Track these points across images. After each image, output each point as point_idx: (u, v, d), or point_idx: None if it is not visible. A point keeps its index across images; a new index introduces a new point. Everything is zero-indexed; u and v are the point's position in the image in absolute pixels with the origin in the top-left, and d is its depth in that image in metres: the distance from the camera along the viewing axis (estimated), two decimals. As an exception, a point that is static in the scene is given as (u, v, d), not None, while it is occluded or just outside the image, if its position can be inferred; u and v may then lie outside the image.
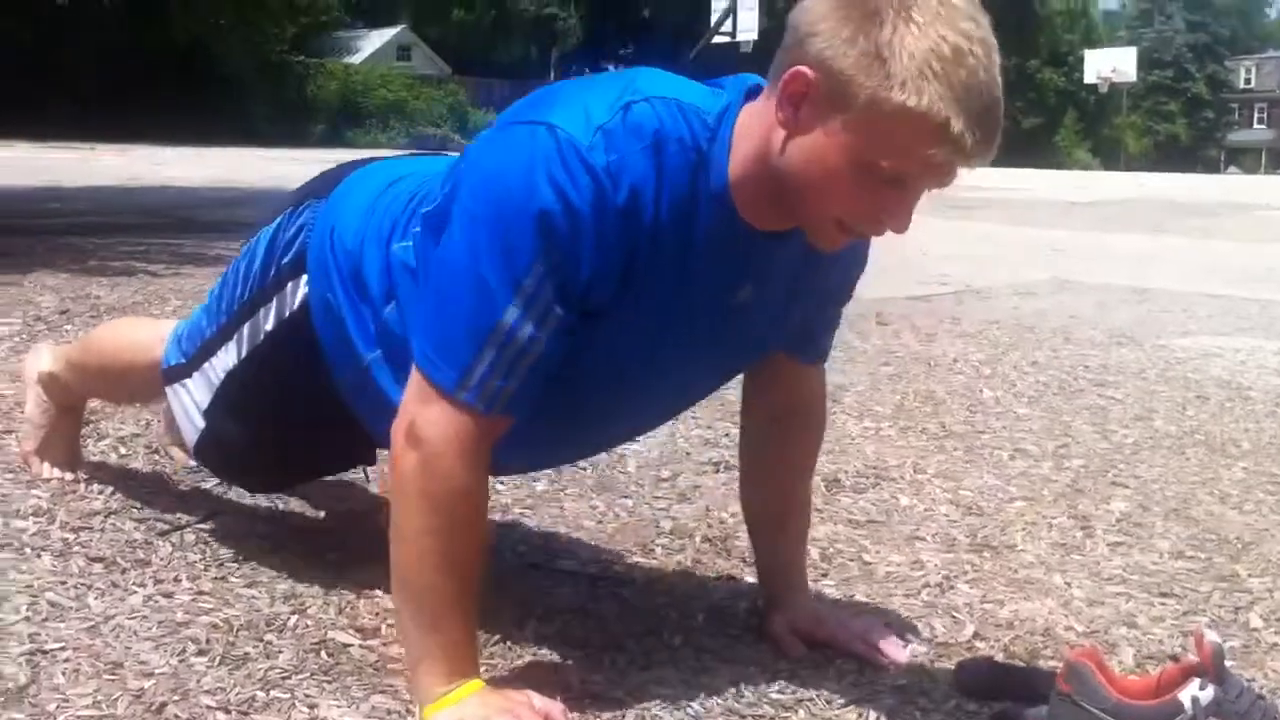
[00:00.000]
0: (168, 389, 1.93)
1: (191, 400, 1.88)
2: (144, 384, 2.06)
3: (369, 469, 2.13)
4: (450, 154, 1.82)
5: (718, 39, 38.11)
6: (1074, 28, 60.54)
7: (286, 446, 1.83)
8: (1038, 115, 55.51)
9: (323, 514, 2.23)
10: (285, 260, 1.76)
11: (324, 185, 1.81)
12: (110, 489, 2.24)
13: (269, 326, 1.76)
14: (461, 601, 1.45)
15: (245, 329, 1.79)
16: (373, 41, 44.07)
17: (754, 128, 1.39)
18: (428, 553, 1.43)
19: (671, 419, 1.86)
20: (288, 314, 1.74)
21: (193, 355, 1.87)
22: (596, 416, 1.62)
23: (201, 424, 1.87)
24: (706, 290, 1.47)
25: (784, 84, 1.32)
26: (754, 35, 38.37)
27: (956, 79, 1.25)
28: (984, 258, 7.82)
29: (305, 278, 1.72)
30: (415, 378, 1.43)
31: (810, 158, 1.33)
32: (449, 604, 1.45)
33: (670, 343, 1.50)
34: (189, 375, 1.88)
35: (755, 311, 1.53)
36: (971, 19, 1.28)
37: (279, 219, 1.81)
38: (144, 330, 2.14)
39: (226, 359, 1.82)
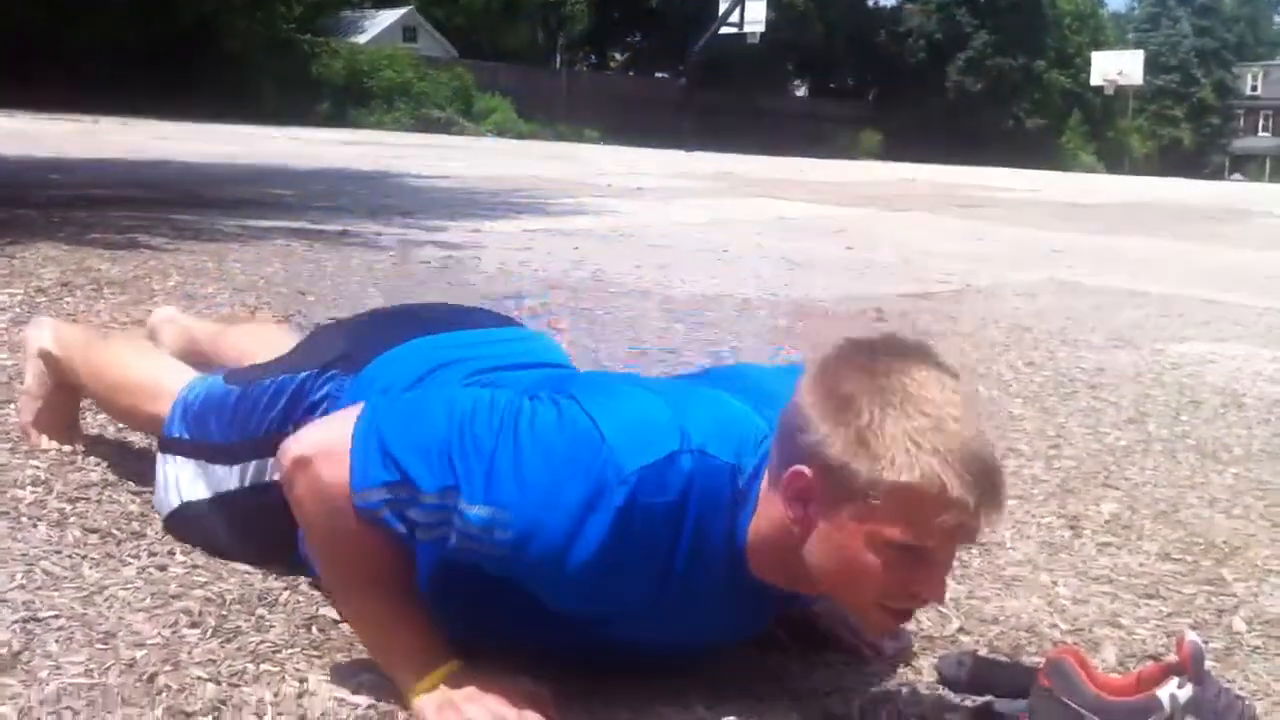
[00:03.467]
0: (159, 453, 1.97)
1: (177, 481, 1.92)
2: (141, 425, 2.15)
3: None
4: (485, 313, 1.82)
5: (725, 29, 38.07)
6: (1082, 29, 60.43)
7: (267, 547, 1.84)
8: (1043, 116, 55.41)
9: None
10: (305, 419, 1.75)
11: (355, 353, 1.82)
12: (107, 461, 2.25)
13: (276, 478, 1.75)
14: (398, 603, 1.48)
15: (252, 466, 1.82)
16: (379, 22, 43.97)
17: (768, 513, 1.40)
18: (337, 563, 1.48)
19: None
20: None
21: (194, 443, 1.90)
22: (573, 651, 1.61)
23: (176, 503, 1.92)
24: (705, 620, 1.50)
25: (785, 484, 1.36)
26: (761, 27, 38.34)
27: (942, 445, 1.28)
28: (985, 257, 7.83)
29: None
30: (336, 435, 1.43)
31: (830, 551, 1.35)
32: (384, 602, 1.48)
33: (655, 648, 1.53)
34: (183, 456, 1.91)
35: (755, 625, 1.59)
36: (944, 386, 1.32)
37: (304, 375, 1.82)
38: (152, 374, 2.10)
39: (228, 480, 1.85)
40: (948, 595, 1.92)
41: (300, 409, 1.78)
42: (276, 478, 1.73)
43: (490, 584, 1.43)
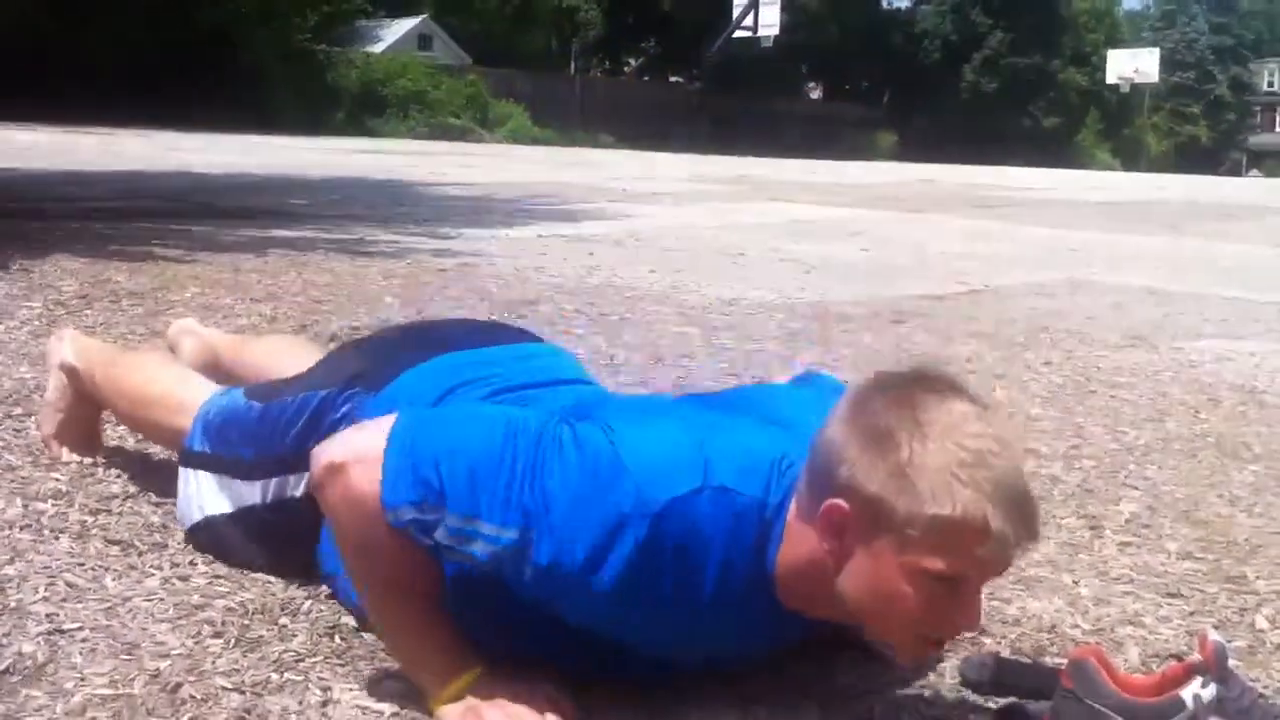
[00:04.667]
0: (181, 467, 1.98)
1: (199, 494, 1.93)
2: (162, 438, 2.16)
3: None
4: (504, 329, 1.83)
5: (739, 34, 38.08)
6: (1097, 27, 60.27)
7: (290, 561, 1.86)
8: (1059, 115, 55.28)
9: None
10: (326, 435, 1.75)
11: (375, 370, 1.83)
12: (128, 473, 2.27)
13: (298, 494, 1.78)
14: (426, 609, 1.48)
15: (274, 483, 1.83)
16: (394, 31, 44.09)
17: (801, 545, 1.40)
18: (371, 568, 1.48)
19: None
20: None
21: (215, 457, 1.91)
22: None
23: (199, 517, 1.92)
24: (731, 643, 1.51)
25: (822, 517, 1.36)
26: (775, 31, 38.38)
27: (982, 478, 1.30)
28: (1002, 257, 7.81)
29: None
30: (370, 443, 1.42)
31: (867, 583, 1.36)
32: (413, 609, 1.48)
33: (679, 665, 1.54)
34: (206, 470, 1.92)
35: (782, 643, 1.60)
36: (980, 419, 1.34)
37: (325, 393, 1.82)
38: (173, 388, 2.11)
39: (250, 495, 1.86)
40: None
41: (322, 426, 1.78)
42: (299, 494, 1.75)
43: (515, 600, 1.44)
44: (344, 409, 1.80)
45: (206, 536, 1.93)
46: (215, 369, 2.29)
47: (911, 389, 1.36)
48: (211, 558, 1.90)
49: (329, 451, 1.46)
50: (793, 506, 1.42)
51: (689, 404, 1.74)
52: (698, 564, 1.40)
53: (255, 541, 1.86)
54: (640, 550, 1.36)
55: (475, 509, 1.38)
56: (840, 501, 1.34)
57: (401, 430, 1.44)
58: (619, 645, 1.48)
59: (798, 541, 1.41)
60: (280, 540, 1.82)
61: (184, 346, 2.43)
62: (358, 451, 1.44)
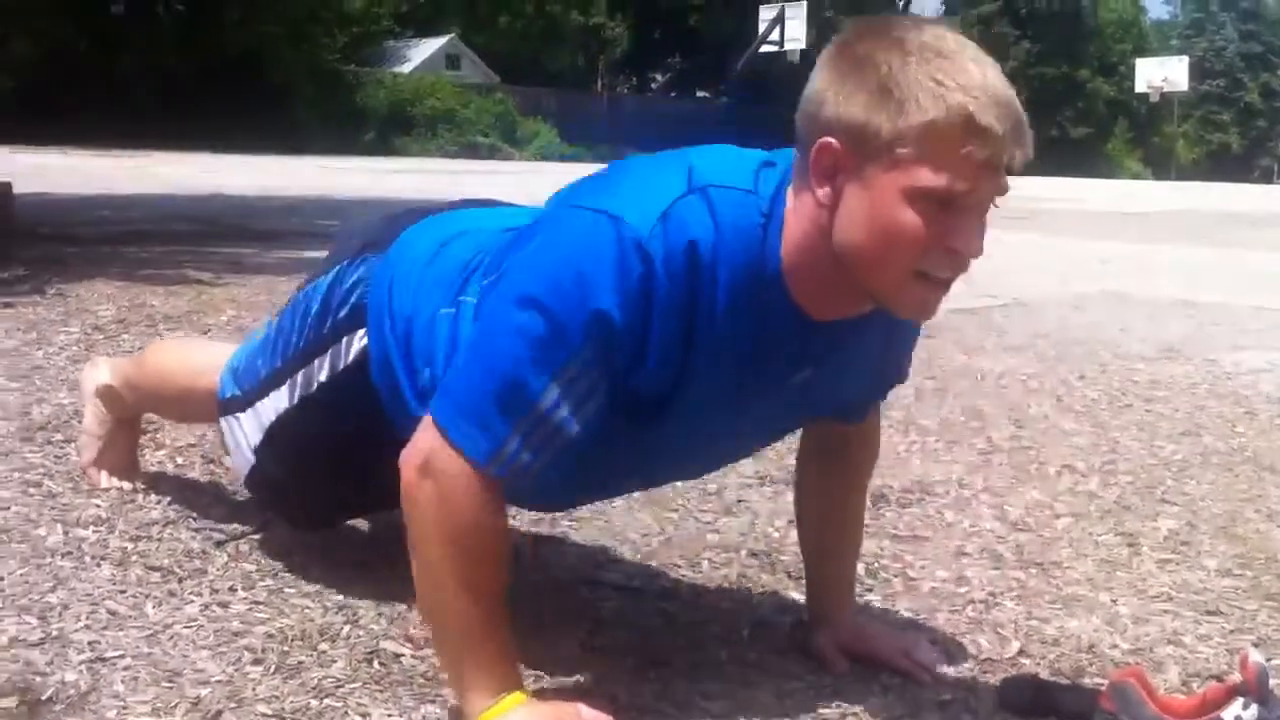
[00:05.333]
0: (221, 420, 1.97)
1: (244, 434, 1.92)
2: (198, 408, 2.12)
3: None
4: (507, 205, 1.84)
5: (765, 48, 38.12)
6: (1125, 37, 60.05)
7: (333, 488, 1.87)
8: (1088, 125, 55.07)
9: (371, 525, 2.26)
10: (341, 314, 1.78)
11: (381, 237, 1.83)
12: (168, 499, 2.28)
13: (323, 378, 1.79)
14: (490, 621, 1.46)
15: (299, 376, 1.82)
16: (422, 51, 44.33)
17: (799, 218, 1.39)
18: (448, 579, 1.44)
19: (719, 469, 1.87)
20: (342, 367, 1.77)
21: (247, 391, 1.91)
22: (638, 472, 1.66)
23: (252, 459, 1.91)
24: (763, 376, 1.49)
25: (814, 161, 1.35)
26: (801, 45, 38.40)
27: (966, 80, 1.28)
28: (1032, 270, 7.78)
29: (361, 332, 1.75)
30: (440, 435, 1.42)
31: (866, 218, 1.33)
32: (477, 626, 1.46)
33: (721, 419, 1.52)
34: (242, 410, 1.92)
35: (812, 389, 1.55)
36: (959, 40, 1.32)
37: (336, 269, 1.83)
38: (199, 355, 2.17)
39: (278, 402, 1.85)
40: (1006, 616, 1.93)
41: (336, 299, 1.79)
42: (324, 377, 1.76)
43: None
44: (356, 274, 1.79)
45: (264, 481, 1.92)
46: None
47: (888, 21, 1.36)
48: (251, 584, 1.92)
49: (412, 457, 1.43)
50: (789, 193, 1.40)
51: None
52: (706, 267, 1.37)
53: (300, 453, 1.84)
54: (645, 281, 1.34)
55: (552, 369, 1.36)
56: (828, 139, 1.32)
57: (443, 406, 1.42)
58: (662, 418, 1.45)
59: (798, 215, 1.39)
60: (319, 439, 1.80)
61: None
62: (430, 447, 1.41)
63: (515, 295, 1.40)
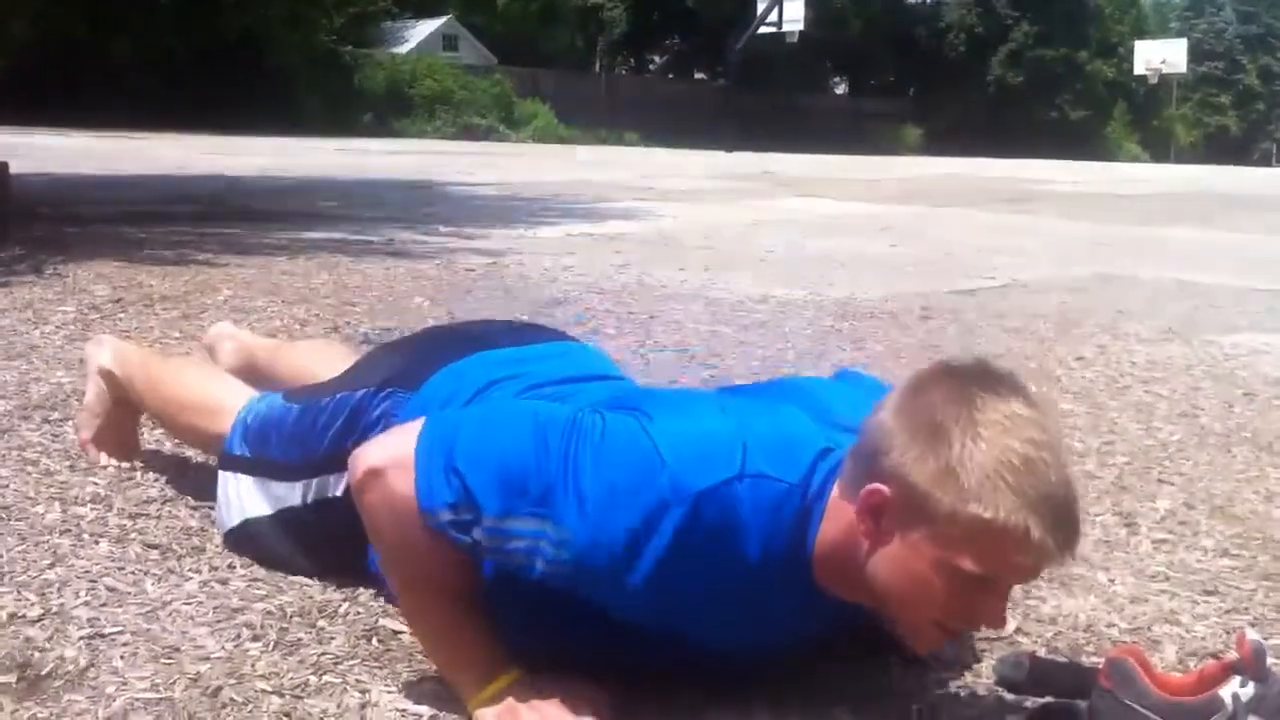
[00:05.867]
0: (221, 472, 1.99)
1: (238, 496, 1.94)
2: (201, 443, 2.17)
3: None
4: (539, 331, 1.83)
5: (764, 29, 38.03)
6: (1124, 18, 59.89)
7: (331, 563, 1.87)
8: (1087, 107, 54.95)
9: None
10: (365, 434, 1.76)
11: (411, 369, 1.84)
12: (166, 477, 2.29)
13: (338, 493, 1.79)
14: (460, 606, 1.49)
15: (315, 483, 1.84)
16: (420, 32, 44.22)
17: (838, 522, 1.41)
18: (409, 575, 1.49)
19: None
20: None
21: (254, 460, 1.93)
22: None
23: (238, 521, 1.94)
24: (768, 628, 1.51)
25: (863, 499, 1.36)
26: (800, 26, 38.31)
27: (1030, 487, 1.29)
28: (1031, 251, 7.78)
29: None
30: (402, 451, 1.44)
31: (897, 568, 1.36)
32: (450, 612, 1.49)
33: (718, 654, 1.53)
34: (246, 474, 1.94)
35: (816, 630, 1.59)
36: (1037, 425, 1.32)
37: (363, 392, 1.84)
38: (212, 393, 2.13)
39: (290, 497, 1.87)
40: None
41: (359, 426, 1.80)
42: (339, 494, 1.76)
43: (555, 595, 1.45)
44: (381, 408, 1.81)
45: (246, 539, 1.94)
46: (252, 372, 2.31)
47: (970, 385, 1.35)
48: (250, 561, 1.92)
49: (367, 456, 1.47)
50: (835, 487, 1.42)
51: (729, 394, 1.73)
52: (736, 550, 1.40)
53: (296, 543, 1.87)
54: (677, 537, 1.37)
55: (509, 507, 1.39)
56: (882, 487, 1.34)
57: (431, 433, 1.45)
58: (659, 636, 1.48)
59: (837, 521, 1.40)
60: (322, 541, 1.83)
61: (221, 350, 2.45)
62: (394, 456, 1.45)
63: (548, 437, 1.41)
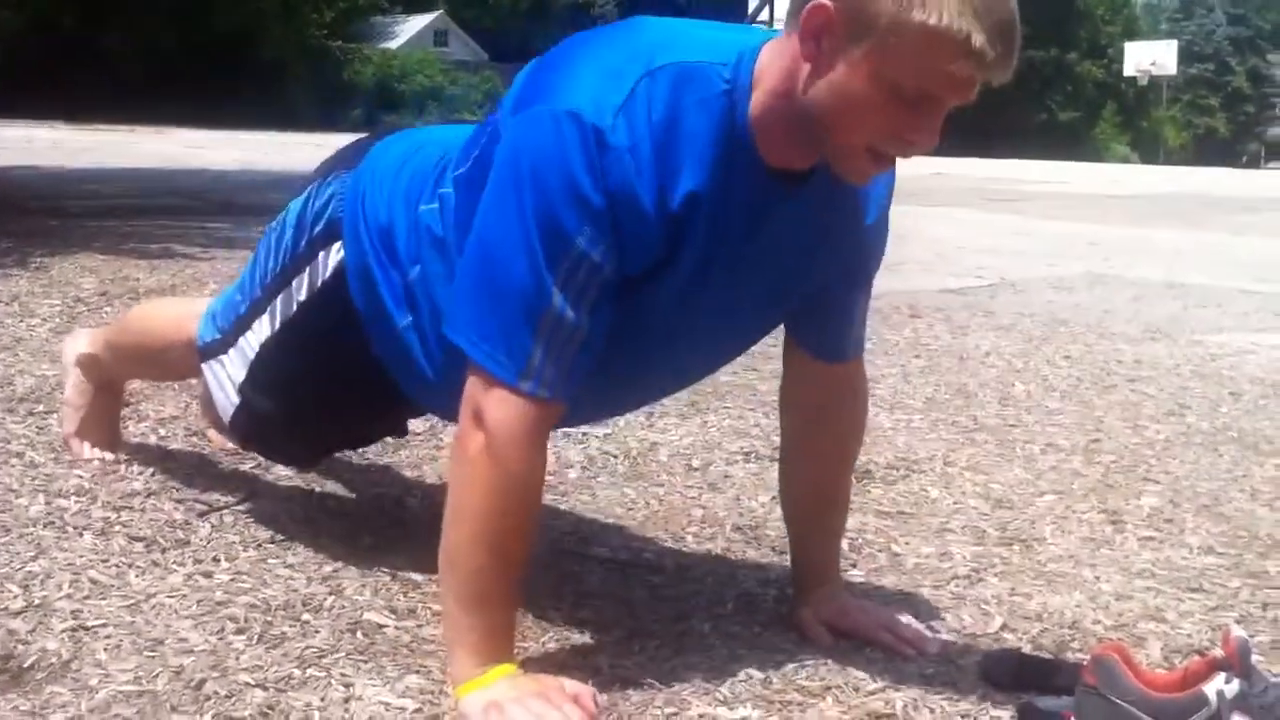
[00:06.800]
0: (203, 365, 1.97)
1: (227, 375, 1.92)
2: (179, 361, 2.10)
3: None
4: (471, 121, 1.84)
5: (755, 27, 38.02)
6: (1115, 19, 60.02)
7: (320, 417, 1.87)
8: (1076, 109, 55.06)
9: (355, 496, 2.26)
10: (317, 230, 1.80)
11: (351, 156, 1.86)
12: (150, 470, 2.28)
13: (302, 297, 1.80)
14: (506, 584, 1.49)
15: (279, 301, 1.83)
16: (410, 27, 44.19)
17: (775, 67, 1.42)
18: (482, 534, 1.47)
19: (710, 373, 1.88)
20: (320, 283, 1.79)
21: (228, 331, 1.91)
22: (642, 371, 1.67)
23: (236, 399, 1.90)
24: (728, 241, 1.50)
25: (804, 18, 1.36)
26: (790, 24, 38.31)
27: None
28: (1019, 251, 7.79)
29: (338, 245, 1.77)
30: (472, 364, 1.46)
31: (836, 89, 1.36)
32: (495, 585, 1.48)
33: (706, 294, 1.55)
34: (224, 351, 1.92)
35: (778, 266, 1.58)
36: None
37: (308, 190, 1.85)
38: (178, 308, 2.20)
39: (260, 332, 1.86)
40: (989, 592, 1.94)
41: (310, 216, 1.81)
42: (303, 296, 1.79)
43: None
44: (328, 191, 1.81)
45: (250, 416, 1.91)
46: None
47: None
48: (235, 554, 1.91)
49: (463, 410, 1.47)
50: (762, 47, 1.44)
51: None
52: (673, 151, 1.41)
53: (285, 381, 1.85)
54: (615, 160, 1.39)
55: (548, 290, 1.41)
56: (826, 2, 1.34)
57: (465, 335, 1.46)
58: (649, 294, 1.49)
59: (770, 68, 1.42)
60: (306, 360, 1.82)
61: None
62: (476, 393, 1.45)
63: (500, 207, 1.43)
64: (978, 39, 1.29)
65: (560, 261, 1.40)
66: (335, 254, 1.77)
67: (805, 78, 1.39)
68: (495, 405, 1.44)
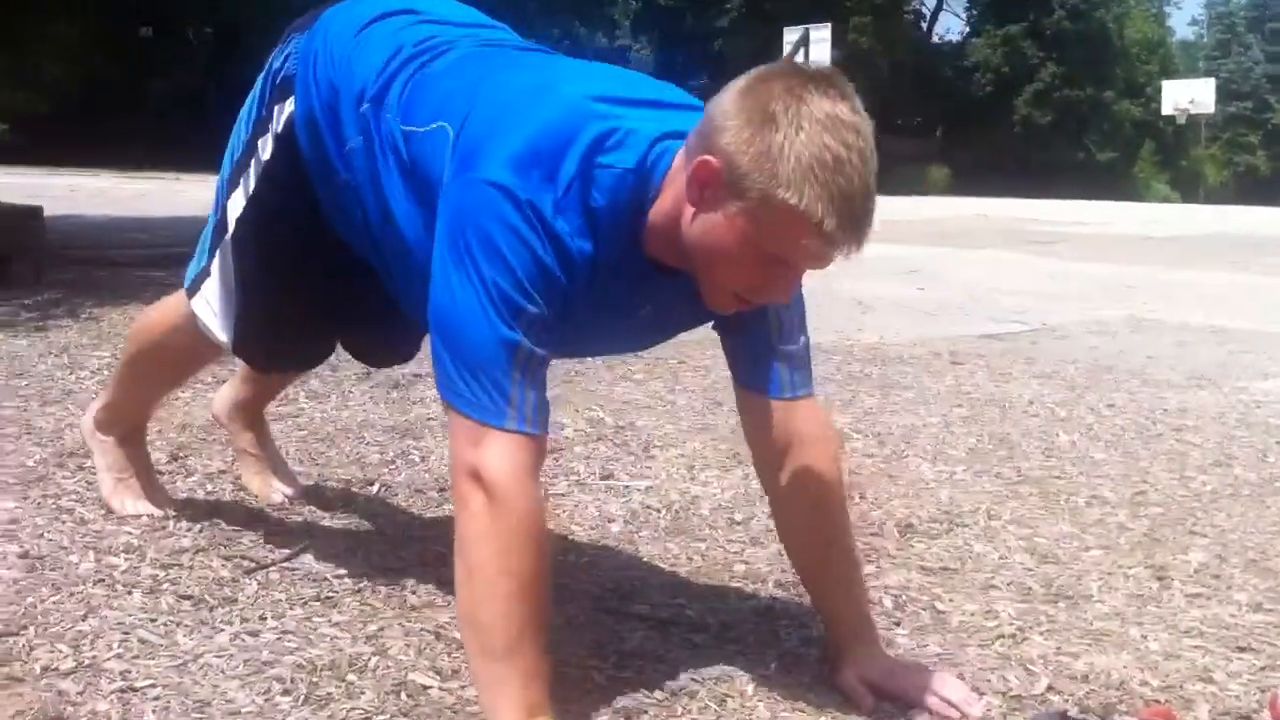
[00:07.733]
0: (192, 302, 2.10)
1: (216, 289, 2.05)
2: (183, 347, 2.23)
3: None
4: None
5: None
6: (1151, 58, 59.84)
7: (300, 299, 2.00)
8: (1114, 148, 54.82)
9: (400, 551, 2.27)
10: (274, 91, 1.93)
11: (307, 20, 1.97)
12: (199, 526, 2.30)
13: (266, 155, 1.93)
14: (534, 629, 1.49)
15: (250, 169, 1.97)
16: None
17: (674, 186, 1.55)
18: (499, 579, 1.48)
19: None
20: (273, 137, 1.91)
21: (206, 250, 2.07)
22: (579, 350, 2.05)
23: (230, 320, 2.05)
24: (617, 308, 1.68)
25: (694, 169, 1.49)
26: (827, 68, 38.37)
27: (834, 185, 1.43)
28: (1059, 295, 7.76)
29: (290, 100, 1.89)
30: (458, 421, 1.52)
31: (710, 235, 1.50)
32: (521, 631, 1.48)
33: (599, 335, 1.79)
34: (207, 276, 2.06)
35: (661, 320, 1.80)
36: (855, 130, 1.45)
37: (269, 60, 1.97)
38: (167, 298, 2.30)
39: (235, 209, 1.99)
40: (1035, 651, 1.92)
41: (269, 82, 1.94)
42: (266, 154, 1.93)
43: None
44: (284, 54, 1.94)
45: (246, 333, 2.05)
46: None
47: (808, 83, 1.47)
48: (281, 613, 1.93)
49: (457, 470, 1.52)
50: (676, 157, 1.56)
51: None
52: (594, 241, 1.55)
53: (264, 254, 1.98)
54: (559, 242, 1.52)
55: (517, 337, 1.52)
56: (712, 159, 1.47)
57: (454, 399, 1.52)
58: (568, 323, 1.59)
59: (672, 186, 1.55)
60: (281, 226, 1.96)
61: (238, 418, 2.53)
62: (468, 449, 1.51)
63: (457, 274, 1.52)
64: (829, 223, 1.43)
65: (518, 316, 1.51)
66: (289, 106, 1.90)
67: (688, 217, 1.52)
68: (489, 451, 1.49)
